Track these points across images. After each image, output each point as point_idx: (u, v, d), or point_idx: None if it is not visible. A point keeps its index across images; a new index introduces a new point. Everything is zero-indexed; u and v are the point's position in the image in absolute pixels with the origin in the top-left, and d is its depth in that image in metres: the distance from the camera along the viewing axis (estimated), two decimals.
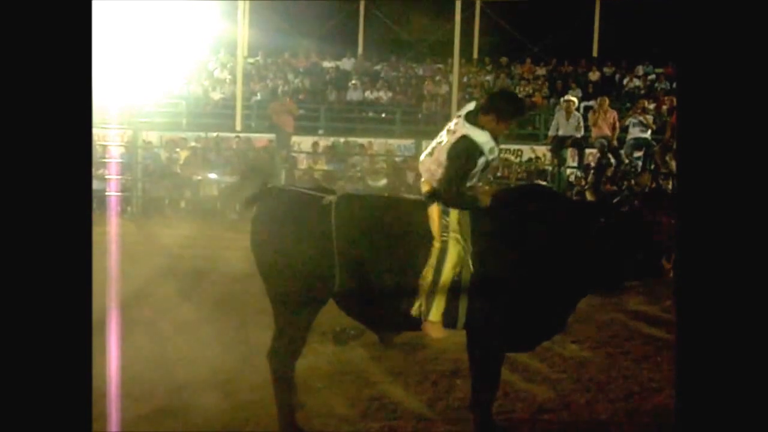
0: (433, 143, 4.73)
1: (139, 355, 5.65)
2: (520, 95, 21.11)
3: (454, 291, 4.44)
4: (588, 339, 6.93)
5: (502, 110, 4.57)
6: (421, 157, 4.84)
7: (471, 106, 4.68)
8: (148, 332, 6.31)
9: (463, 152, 4.49)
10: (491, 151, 4.56)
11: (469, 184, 4.59)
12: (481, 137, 4.52)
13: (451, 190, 4.51)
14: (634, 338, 7.09)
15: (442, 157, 4.57)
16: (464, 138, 4.51)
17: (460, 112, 4.69)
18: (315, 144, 17.79)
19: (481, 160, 4.55)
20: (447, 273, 4.42)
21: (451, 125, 4.67)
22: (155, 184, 15.80)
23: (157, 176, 15.95)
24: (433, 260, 4.44)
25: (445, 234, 4.47)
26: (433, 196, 4.59)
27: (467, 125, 4.54)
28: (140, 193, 15.44)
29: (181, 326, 6.60)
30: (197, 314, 7.06)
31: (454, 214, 4.52)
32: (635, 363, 6.31)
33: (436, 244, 4.46)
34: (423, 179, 4.75)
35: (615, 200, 4.82)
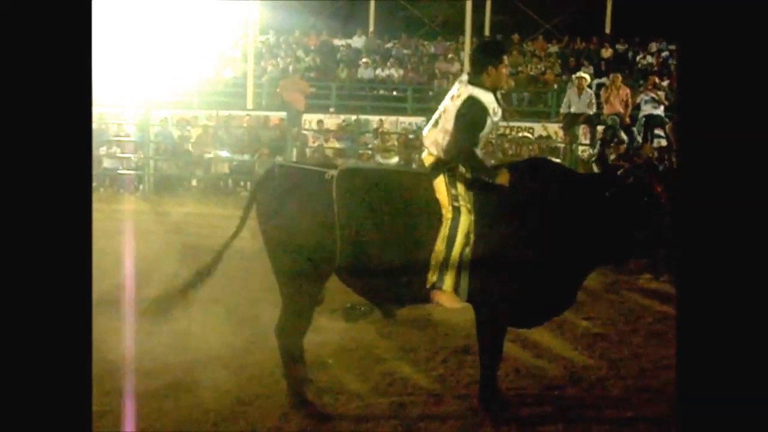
0: (436, 114, 4.75)
1: (150, 332, 5.68)
2: (531, 72, 21.10)
3: (463, 260, 4.44)
4: (599, 316, 6.93)
5: (489, 58, 4.63)
6: (425, 131, 4.84)
7: (465, 76, 4.75)
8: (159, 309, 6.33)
9: (472, 112, 4.53)
10: (495, 112, 4.61)
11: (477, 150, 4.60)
12: (485, 96, 4.57)
13: (467, 152, 4.53)
14: (645, 316, 7.09)
15: (449, 124, 4.59)
16: (470, 98, 4.55)
17: (461, 78, 4.75)
18: (320, 122, 17.75)
19: (488, 122, 4.59)
20: (459, 241, 4.42)
21: (453, 91, 4.69)
22: (167, 163, 15.84)
23: (169, 154, 15.98)
24: (445, 230, 4.43)
25: (455, 202, 4.46)
26: (438, 167, 4.58)
27: (470, 87, 4.59)
28: (152, 171, 15.48)
29: (191, 303, 6.62)
30: (208, 291, 7.08)
31: (461, 185, 4.52)
32: (646, 340, 6.31)
33: (447, 214, 4.45)
34: (426, 153, 4.74)
35: (619, 172, 4.74)
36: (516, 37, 23.03)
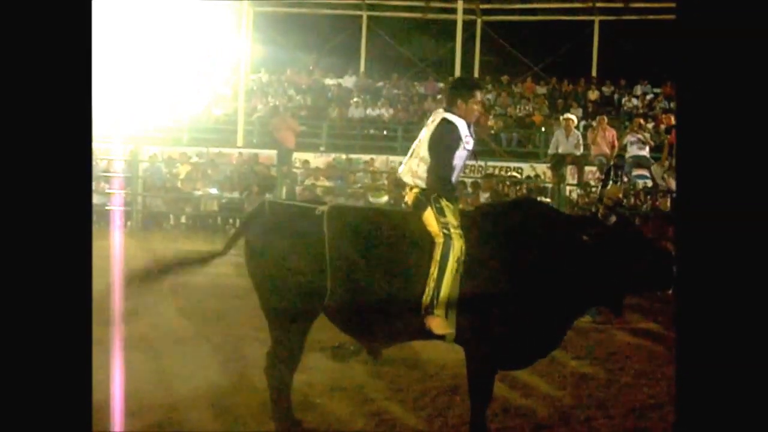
0: (413, 146, 4.83)
1: (137, 370, 5.63)
2: (520, 113, 21.30)
3: (453, 287, 4.44)
4: (588, 355, 6.92)
5: (459, 92, 4.75)
6: (401, 168, 4.89)
7: (440, 110, 4.84)
8: (146, 347, 6.29)
9: (446, 134, 4.63)
10: (467, 141, 4.69)
11: (453, 173, 4.68)
12: (459, 122, 4.67)
13: (442, 177, 4.60)
14: (634, 355, 7.08)
15: (424, 150, 4.68)
16: (443, 120, 4.67)
17: (436, 111, 4.86)
18: (305, 162, 17.78)
19: (461, 147, 4.66)
20: (451, 265, 4.42)
21: (428, 122, 4.79)
22: (155, 199, 15.82)
23: (157, 191, 15.97)
24: (437, 255, 4.43)
25: (445, 230, 4.48)
26: (422, 202, 4.61)
27: (444, 112, 4.72)
28: (140, 207, 15.45)
29: (178, 341, 6.59)
30: (195, 329, 7.05)
31: (449, 214, 4.54)
32: (635, 379, 6.29)
33: (439, 240, 4.46)
34: (408, 191, 4.77)
35: (599, 214, 4.72)
36: (505, 78, 23.31)
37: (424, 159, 4.67)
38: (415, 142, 4.81)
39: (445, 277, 4.41)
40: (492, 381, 4.67)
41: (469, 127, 4.74)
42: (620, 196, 4.65)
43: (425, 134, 4.73)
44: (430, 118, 4.81)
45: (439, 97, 22.00)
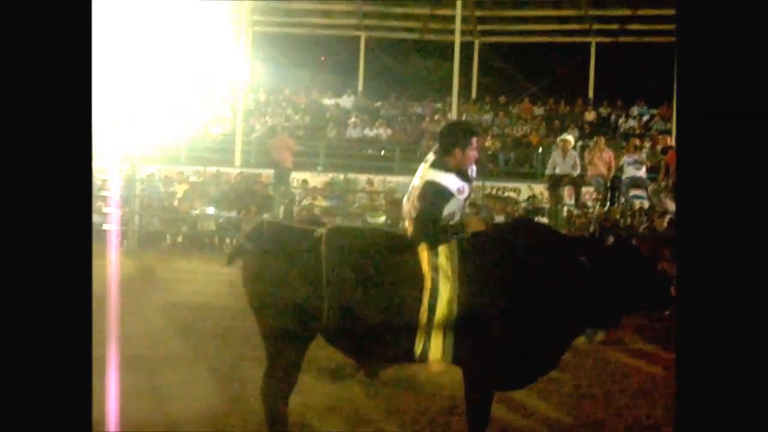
0: (410, 187, 4.80)
1: (131, 390, 5.59)
2: (517, 134, 21.38)
3: (448, 328, 4.42)
4: (586, 376, 6.89)
5: (454, 142, 4.62)
6: (404, 201, 4.88)
7: (431, 155, 4.74)
8: (142, 367, 6.26)
9: (430, 196, 4.55)
10: (460, 191, 4.62)
11: (452, 222, 4.63)
12: (446, 179, 4.58)
13: (423, 230, 4.54)
14: (632, 375, 7.05)
15: (416, 201, 4.63)
16: (428, 183, 4.58)
17: (426, 158, 4.76)
18: (304, 182, 17.81)
19: (452, 201, 4.60)
20: (441, 310, 4.39)
21: (419, 171, 4.73)
22: (152, 218, 15.81)
23: (154, 210, 15.97)
24: (425, 301, 4.41)
25: (434, 273, 4.45)
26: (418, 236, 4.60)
27: (431, 171, 4.62)
28: (137, 227, 15.43)
29: (175, 362, 6.55)
30: (192, 350, 7.02)
31: (442, 252, 4.51)
32: (632, 400, 6.27)
33: (427, 284, 4.43)
34: (407, 221, 4.78)
35: (596, 235, 4.73)
36: (502, 99, 23.44)
37: (416, 208, 4.62)
38: (411, 185, 4.77)
39: (435, 324, 4.38)
40: (490, 402, 4.65)
41: (464, 173, 4.67)
42: (618, 217, 4.66)
43: (415, 186, 4.69)
44: (420, 170, 4.72)
45: (436, 117, 22.11)
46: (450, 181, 4.59)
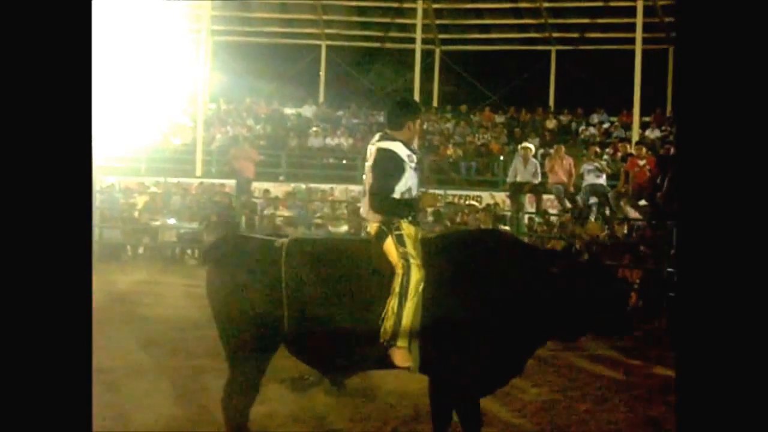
0: (365, 168, 4.84)
1: (94, 403, 5.51)
2: (478, 142, 21.52)
3: (415, 318, 4.44)
4: (548, 383, 6.95)
5: (401, 116, 4.75)
6: (361, 210, 4.91)
7: (377, 136, 4.83)
8: (103, 380, 6.18)
9: (381, 160, 4.62)
10: (410, 158, 4.69)
11: (407, 195, 4.67)
12: (395, 146, 4.66)
13: (380, 195, 4.60)
14: (594, 382, 7.13)
15: (369, 173, 4.68)
16: (378, 150, 4.66)
17: (372, 141, 4.84)
18: (266, 192, 17.73)
19: (406, 173, 4.65)
20: (411, 296, 4.41)
21: (367, 155, 4.79)
22: (113, 230, 15.61)
23: (114, 221, 15.78)
24: (396, 286, 4.43)
25: (404, 260, 4.48)
26: (383, 232, 4.61)
27: (379, 142, 4.71)
28: (97, 238, 15.23)
29: (136, 373, 6.48)
30: (152, 361, 6.95)
31: (409, 244, 4.54)
32: (595, 406, 6.34)
33: (398, 271, 4.46)
34: (369, 222, 4.79)
35: (573, 249, 4.78)
36: (463, 107, 23.58)
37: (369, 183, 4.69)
38: (364, 178, 4.82)
39: (405, 309, 4.41)
40: (476, 404, 4.64)
41: (409, 145, 4.74)
42: (599, 234, 4.71)
43: (367, 168, 4.75)
44: (368, 149, 4.80)
45: (378, 126, 22.17)
46: (398, 148, 4.66)
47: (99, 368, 6.39)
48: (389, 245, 4.56)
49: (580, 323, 4.72)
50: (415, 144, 4.84)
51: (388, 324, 4.43)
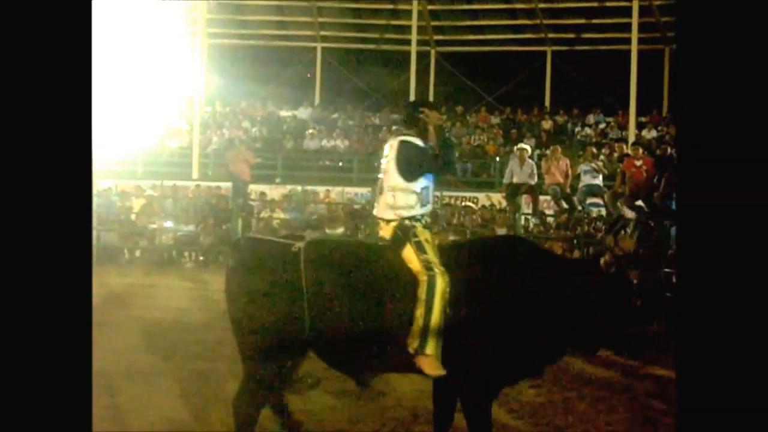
0: (377, 185, 4.83)
1: (93, 406, 5.51)
2: (474, 143, 21.54)
3: (443, 325, 4.40)
4: (545, 383, 6.94)
5: (414, 114, 4.78)
6: (374, 210, 4.88)
7: (393, 136, 4.88)
8: (103, 383, 6.17)
9: (407, 149, 4.64)
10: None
11: (425, 194, 4.70)
12: (415, 140, 4.68)
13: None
14: (591, 382, 7.13)
15: (394, 179, 4.65)
16: (401, 142, 4.68)
17: (389, 140, 4.87)
18: (262, 194, 17.72)
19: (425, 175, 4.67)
20: (437, 305, 4.36)
21: (385, 153, 4.79)
22: (110, 233, 15.60)
23: (111, 225, 15.76)
24: (422, 294, 4.37)
25: (428, 267, 4.44)
26: (400, 237, 4.58)
27: (399, 136, 4.74)
28: (95, 241, 15.20)
29: (135, 376, 6.48)
30: (152, 365, 6.94)
31: (430, 250, 4.52)
32: (591, 406, 6.34)
33: (422, 278, 4.41)
34: (383, 224, 4.74)
35: (602, 261, 4.69)
36: (459, 108, 23.60)
37: (398, 188, 4.64)
38: (379, 179, 4.78)
39: (432, 317, 4.36)
40: (489, 408, 4.63)
41: (426, 142, 4.73)
42: (631, 250, 4.66)
43: (386, 164, 4.70)
44: (386, 148, 4.78)
45: (394, 128, 22.15)
46: (418, 141, 4.68)
47: (96, 371, 6.38)
48: (409, 253, 4.52)
49: (601, 336, 4.68)
50: (432, 142, 4.80)
51: (416, 333, 4.38)
